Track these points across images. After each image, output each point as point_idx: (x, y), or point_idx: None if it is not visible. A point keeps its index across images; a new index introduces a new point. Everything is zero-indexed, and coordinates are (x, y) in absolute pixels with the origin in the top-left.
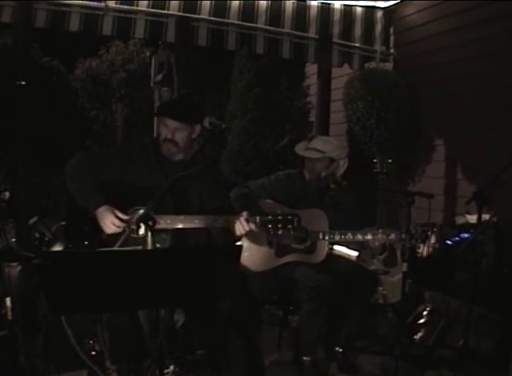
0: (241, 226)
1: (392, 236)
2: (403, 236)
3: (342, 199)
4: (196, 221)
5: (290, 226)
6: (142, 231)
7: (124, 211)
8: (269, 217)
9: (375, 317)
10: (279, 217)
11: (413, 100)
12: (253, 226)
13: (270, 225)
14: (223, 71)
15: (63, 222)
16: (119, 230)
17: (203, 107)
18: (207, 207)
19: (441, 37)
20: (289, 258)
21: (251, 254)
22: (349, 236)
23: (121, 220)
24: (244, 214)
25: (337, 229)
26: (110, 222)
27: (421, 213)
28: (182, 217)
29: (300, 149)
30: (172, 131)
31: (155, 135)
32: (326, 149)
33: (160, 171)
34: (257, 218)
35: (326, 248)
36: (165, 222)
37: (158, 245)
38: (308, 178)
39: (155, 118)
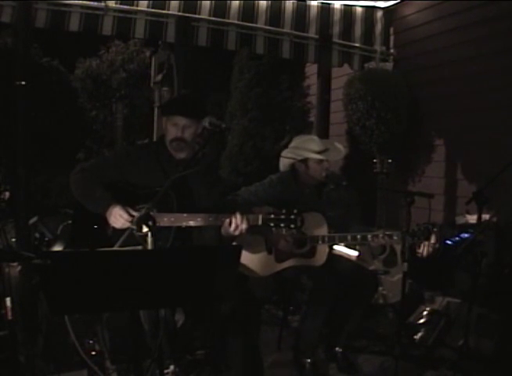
0: (234, 223)
1: (394, 238)
2: (404, 236)
3: (341, 196)
4: (198, 219)
5: (293, 226)
6: (144, 229)
7: None
8: (272, 215)
9: (375, 317)
10: (282, 216)
11: (413, 100)
12: (245, 225)
13: (272, 224)
14: (223, 71)
15: (69, 221)
16: (127, 225)
17: (205, 104)
18: (207, 206)
19: (441, 37)
20: (289, 262)
21: (251, 262)
22: (348, 240)
23: (129, 214)
24: (238, 213)
25: (336, 226)
26: (119, 215)
27: (421, 213)
28: (185, 215)
29: (314, 153)
30: (182, 129)
31: (155, 135)
32: (339, 147)
33: (161, 172)
34: (260, 217)
35: (327, 251)
36: (169, 220)
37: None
38: (304, 178)
39: (155, 118)
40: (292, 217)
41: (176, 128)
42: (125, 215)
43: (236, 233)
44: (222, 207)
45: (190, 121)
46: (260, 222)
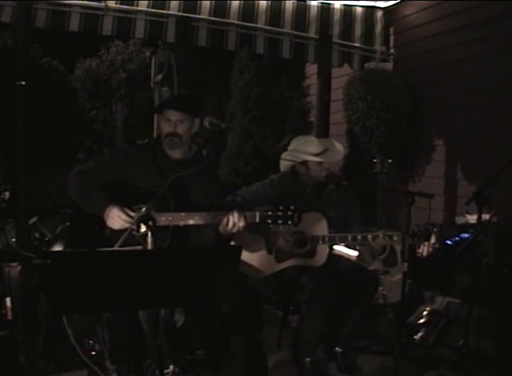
0: (231, 220)
1: (395, 238)
2: (404, 236)
3: (341, 196)
4: (196, 217)
5: (290, 223)
6: (143, 229)
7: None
8: (269, 213)
9: (375, 317)
10: (279, 213)
11: (413, 100)
12: (242, 223)
13: (270, 221)
14: (223, 71)
15: (67, 223)
16: (126, 226)
17: (202, 103)
18: (204, 206)
19: (441, 37)
20: (289, 262)
21: (251, 262)
22: (349, 240)
23: (127, 215)
24: (235, 211)
25: (337, 226)
26: (117, 216)
27: (421, 213)
28: (182, 214)
29: (313, 156)
30: (174, 124)
31: (155, 135)
32: (338, 147)
33: (158, 172)
34: (257, 214)
35: (327, 251)
36: (166, 219)
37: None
38: (304, 179)
39: (155, 118)
40: (289, 213)
41: (169, 124)
42: (123, 216)
43: (234, 230)
44: (220, 208)
45: (183, 116)
46: (257, 220)
